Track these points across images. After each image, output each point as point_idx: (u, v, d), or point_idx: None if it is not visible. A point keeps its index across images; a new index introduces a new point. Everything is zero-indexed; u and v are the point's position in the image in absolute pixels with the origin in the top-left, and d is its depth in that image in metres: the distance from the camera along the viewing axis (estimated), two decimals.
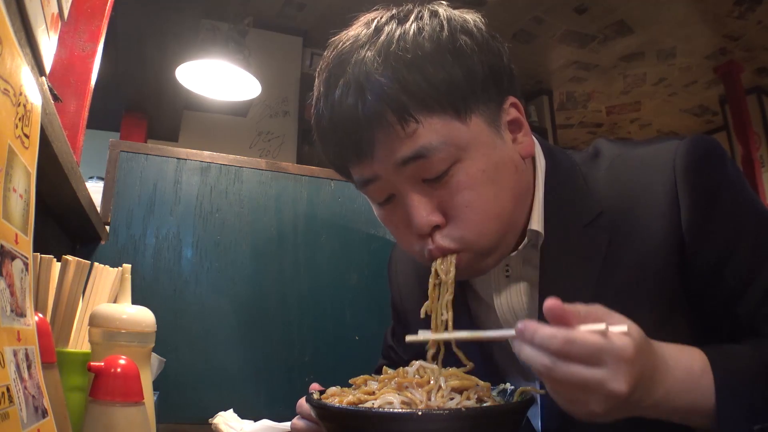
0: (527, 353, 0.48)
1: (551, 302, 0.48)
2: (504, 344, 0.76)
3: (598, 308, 0.50)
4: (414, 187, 0.64)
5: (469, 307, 0.79)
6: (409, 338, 0.59)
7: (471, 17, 0.67)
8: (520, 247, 0.70)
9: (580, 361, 0.46)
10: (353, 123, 0.62)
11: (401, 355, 0.99)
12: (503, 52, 0.68)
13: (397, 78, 0.60)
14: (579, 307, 0.49)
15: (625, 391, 0.46)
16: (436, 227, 0.64)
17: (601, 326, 0.47)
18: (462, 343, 0.79)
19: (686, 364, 0.55)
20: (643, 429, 0.63)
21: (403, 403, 0.55)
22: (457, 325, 0.80)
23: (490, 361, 0.79)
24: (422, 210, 0.63)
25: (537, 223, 0.69)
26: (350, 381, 0.65)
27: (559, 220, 0.69)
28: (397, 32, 0.62)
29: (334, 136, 0.66)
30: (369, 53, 0.62)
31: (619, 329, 0.48)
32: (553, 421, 0.69)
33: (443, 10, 0.66)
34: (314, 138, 0.71)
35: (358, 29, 0.66)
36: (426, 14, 0.65)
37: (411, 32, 0.62)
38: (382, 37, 0.62)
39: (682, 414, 0.54)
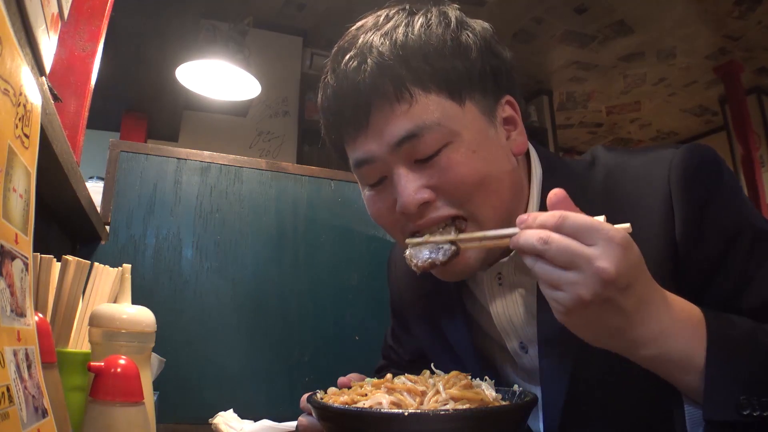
0: (526, 235, 0.52)
1: (558, 189, 0.53)
2: (504, 349, 0.76)
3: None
4: (405, 166, 0.65)
5: (466, 310, 0.79)
6: (410, 240, 0.66)
7: (479, 22, 0.72)
8: (511, 253, 0.70)
9: (574, 236, 0.50)
10: (353, 89, 0.65)
11: (401, 356, 0.99)
12: (505, 56, 0.72)
13: (400, 54, 0.64)
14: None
15: (612, 271, 0.47)
16: (424, 205, 0.65)
17: (601, 218, 0.51)
18: (461, 350, 0.79)
19: (686, 308, 0.55)
20: (634, 414, 0.65)
21: (392, 403, 0.55)
22: (454, 327, 0.80)
23: (490, 364, 0.79)
24: (410, 187, 0.64)
25: None
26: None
27: None
28: (405, 21, 0.67)
29: (336, 104, 0.69)
30: (377, 33, 0.67)
31: (621, 226, 0.51)
32: (555, 421, 0.69)
33: (452, 11, 0.70)
34: (319, 112, 0.74)
35: (369, 18, 0.71)
36: (435, 11, 0.69)
37: (418, 23, 0.67)
38: (390, 24, 0.67)
39: (675, 365, 0.53)
